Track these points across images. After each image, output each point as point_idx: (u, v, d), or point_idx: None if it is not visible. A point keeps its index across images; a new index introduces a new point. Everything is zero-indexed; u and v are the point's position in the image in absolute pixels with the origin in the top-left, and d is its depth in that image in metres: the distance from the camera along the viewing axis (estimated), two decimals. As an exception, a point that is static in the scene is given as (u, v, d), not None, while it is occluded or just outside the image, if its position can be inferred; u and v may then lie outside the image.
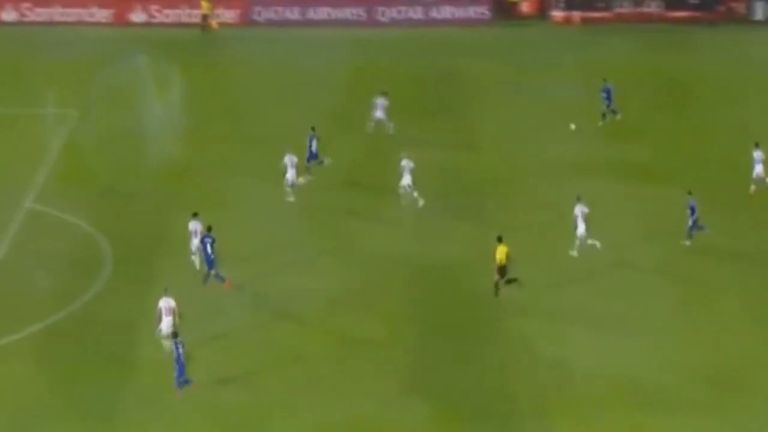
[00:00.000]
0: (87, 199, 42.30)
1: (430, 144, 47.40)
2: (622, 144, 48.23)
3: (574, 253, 38.56)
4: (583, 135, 48.90)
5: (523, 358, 33.56)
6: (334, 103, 52.55)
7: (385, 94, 48.31)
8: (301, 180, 42.90)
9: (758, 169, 42.42)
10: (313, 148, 43.96)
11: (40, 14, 64.07)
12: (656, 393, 31.82)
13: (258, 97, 53.34)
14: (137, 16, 64.64)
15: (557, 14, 65.86)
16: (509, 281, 36.07)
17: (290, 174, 42.15)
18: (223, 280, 36.38)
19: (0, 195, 42.71)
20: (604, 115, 49.27)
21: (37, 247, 39.35)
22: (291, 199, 42.38)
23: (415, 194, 41.75)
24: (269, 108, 51.93)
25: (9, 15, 64.02)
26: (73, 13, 64.13)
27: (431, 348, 34.04)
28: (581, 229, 38.22)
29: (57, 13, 64.14)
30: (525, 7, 66.50)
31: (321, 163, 44.17)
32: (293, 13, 65.37)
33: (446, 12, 65.84)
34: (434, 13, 65.82)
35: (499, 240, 36.15)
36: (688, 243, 39.18)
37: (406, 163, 41.80)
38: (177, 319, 32.82)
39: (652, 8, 65.76)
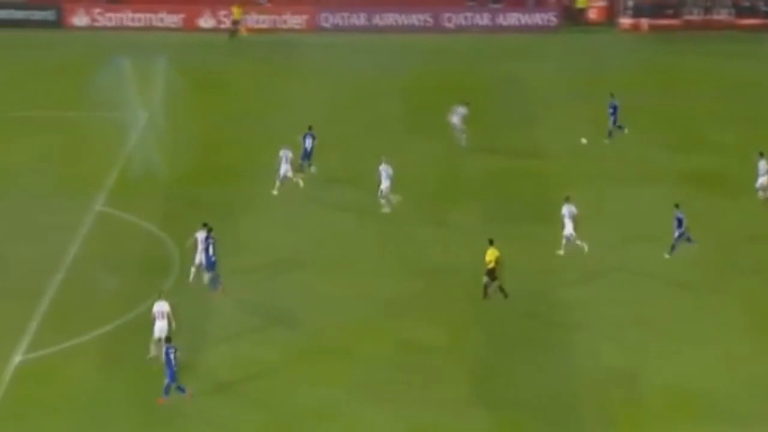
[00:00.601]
0: (155, 201, 42.73)
1: (494, 151, 47.34)
2: (688, 152, 47.78)
3: (561, 252, 38.71)
4: (649, 143, 48.56)
5: (587, 368, 33.26)
6: (399, 109, 52.65)
7: (467, 104, 47.77)
8: (306, 175, 43.56)
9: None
10: (308, 147, 44.25)
11: (111, 19, 64.93)
12: (725, 405, 31.41)
13: (324, 103, 53.54)
14: (206, 21, 65.24)
15: (625, 21, 65.42)
16: (501, 289, 36.00)
17: (284, 168, 42.68)
18: (215, 288, 36.47)
19: (71, 197, 43.27)
20: (610, 133, 47.91)
21: (106, 249, 39.77)
22: (275, 192, 42.99)
23: (390, 198, 41.73)
24: (335, 114, 52.11)
25: (81, 20, 64.94)
26: (143, 18, 64.92)
27: (493, 356, 33.90)
28: (568, 228, 38.54)
29: (127, 18, 64.97)
30: (593, 14, 66.16)
31: (309, 166, 44.25)
32: (360, 19, 65.62)
33: (513, 18, 65.69)
34: (501, 20, 65.70)
35: (491, 243, 36.18)
36: (667, 256, 38.49)
37: (384, 168, 41.69)
38: (171, 323, 32.77)
39: (722, 15, 65.09)
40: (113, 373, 32.95)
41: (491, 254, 36.03)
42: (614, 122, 47.92)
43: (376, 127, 50.35)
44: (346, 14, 65.54)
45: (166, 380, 31.15)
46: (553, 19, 65.55)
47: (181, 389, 31.39)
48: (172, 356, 31.18)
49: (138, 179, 45.03)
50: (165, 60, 59.61)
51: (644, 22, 65.20)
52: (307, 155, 44.26)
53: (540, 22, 65.59)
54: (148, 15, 64.88)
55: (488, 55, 61.13)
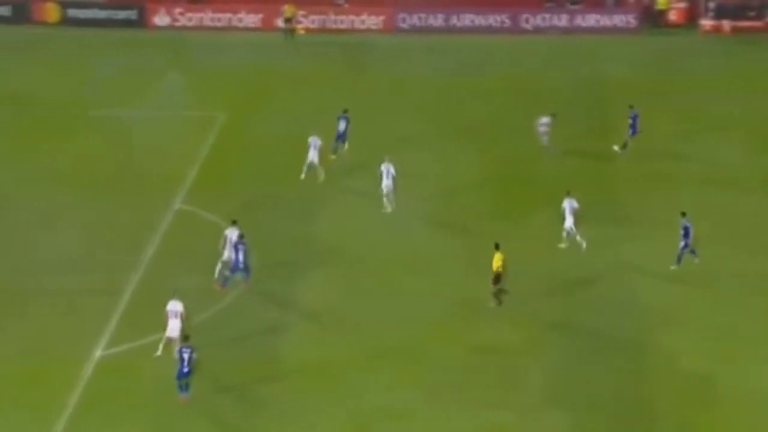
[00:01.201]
0: (233, 200, 43.12)
1: (573, 153, 47.08)
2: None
3: (563, 245, 38.75)
4: (731, 146, 48.00)
5: (664, 370, 33.05)
6: (477, 110, 52.59)
7: (553, 115, 47.31)
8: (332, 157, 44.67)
9: None
10: (341, 129, 45.57)
11: (191, 19, 65.67)
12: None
13: (400, 103, 53.67)
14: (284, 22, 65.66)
15: (706, 23, 64.58)
16: (499, 291, 35.75)
17: (312, 154, 43.18)
18: (224, 285, 36.73)
19: (151, 195, 43.82)
20: (625, 144, 46.75)
21: (185, 247, 40.24)
22: (302, 176, 44.11)
23: (391, 198, 41.77)
24: (410, 114, 52.21)
25: (162, 20, 65.79)
26: (223, 18, 65.59)
27: (569, 358, 33.76)
28: (568, 222, 38.75)
29: (207, 17, 65.66)
30: (673, 16, 65.41)
31: (343, 145, 45.79)
32: (437, 20, 65.58)
33: (592, 20, 65.19)
34: (579, 21, 65.23)
35: (496, 247, 35.91)
36: (673, 267, 37.69)
37: (386, 167, 41.68)
38: (183, 323, 32.86)
39: (807, 17, 64.07)
40: (193, 366, 33.26)
41: (498, 259, 35.75)
42: (632, 134, 46.64)
43: (454, 128, 50.30)
44: (423, 15, 65.54)
45: (178, 377, 31.13)
46: (633, 20, 64.93)
47: (181, 388, 31.18)
48: (185, 356, 31.08)
49: (217, 177, 45.50)
50: (244, 59, 60.26)
51: (726, 23, 64.30)
52: (341, 137, 45.80)
53: (619, 24, 65.02)
54: (227, 15, 65.51)
55: (566, 56, 60.73)
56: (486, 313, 35.80)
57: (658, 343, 34.27)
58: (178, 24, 65.61)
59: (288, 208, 43.05)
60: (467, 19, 65.51)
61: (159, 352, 32.99)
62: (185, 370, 31.07)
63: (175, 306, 33.02)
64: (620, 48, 62.18)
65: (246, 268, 36.84)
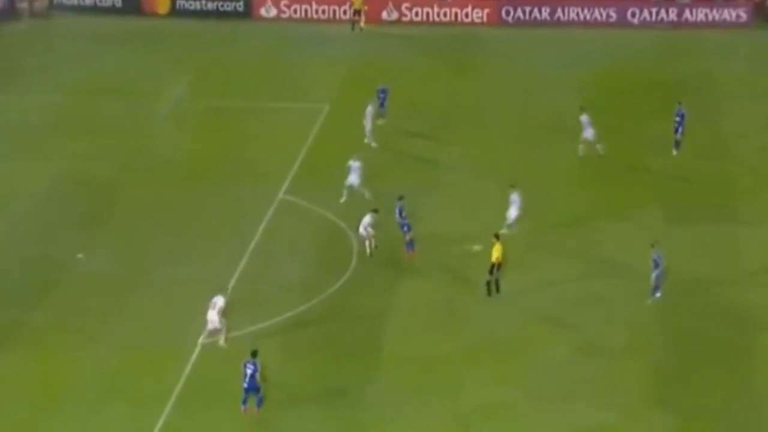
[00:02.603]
0: (336, 191, 43.10)
1: (679, 150, 46.08)
2: None
3: (504, 230, 38.08)
4: None
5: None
6: (584, 105, 51.84)
7: (582, 109, 46.31)
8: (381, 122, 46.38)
9: None
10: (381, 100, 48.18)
11: (297, 10, 65.89)
12: None
13: (501, 98, 53.09)
14: (389, 14, 65.50)
15: (819, 18, 62.81)
16: (493, 282, 35.42)
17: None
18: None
19: (255, 185, 44.03)
20: (677, 143, 45.25)
21: (288, 237, 40.40)
22: (374, 144, 46.13)
23: (354, 192, 41.59)
24: (511, 109, 51.67)
25: (268, 11, 66.14)
26: (328, 10, 65.69)
27: (673, 360, 33.10)
28: (512, 212, 38.91)
29: (312, 9, 65.82)
30: (785, 10, 63.68)
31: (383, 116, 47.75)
32: (542, 13, 64.79)
33: (701, 14, 63.74)
34: (688, 15, 63.84)
35: (497, 237, 35.60)
36: (649, 302, 35.61)
37: (353, 164, 41.53)
38: (222, 318, 33.08)
39: None
40: (291, 358, 33.49)
41: (497, 250, 35.53)
42: (681, 132, 45.26)
43: (556, 123, 49.65)
44: (528, 8, 64.80)
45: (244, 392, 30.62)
46: (743, 15, 63.32)
47: (245, 401, 30.67)
48: (248, 371, 30.42)
49: (320, 169, 45.52)
50: (348, 51, 60.24)
51: (840, 19, 62.45)
52: (382, 105, 48.11)
53: (729, 18, 63.46)
54: (332, 7, 65.57)
55: (674, 51, 59.44)
56: (591, 312, 35.20)
57: (766, 346, 33.33)
58: (284, 15, 65.89)
59: (389, 201, 42.82)
60: (573, 13, 64.56)
61: (200, 341, 33.35)
62: (245, 385, 30.41)
63: (216, 300, 33.48)
64: (730, 43, 60.66)
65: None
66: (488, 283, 35.92)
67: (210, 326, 33.57)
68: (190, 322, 34.66)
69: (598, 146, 45.55)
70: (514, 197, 39.52)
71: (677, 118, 45.57)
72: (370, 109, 47.06)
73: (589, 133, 45.45)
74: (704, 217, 41.00)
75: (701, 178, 44.29)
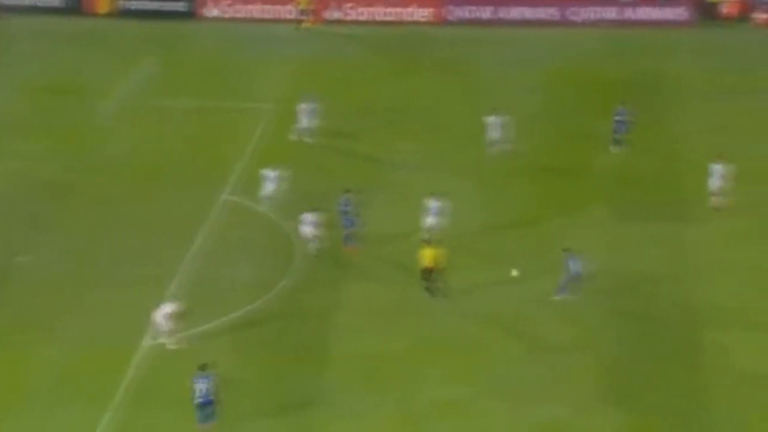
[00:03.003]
0: (279, 191, 42.64)
1: (629, 146, 46.16)
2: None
3: (423, 234, 37.50)
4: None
5: (720, 369, 32.35)
6: (528, 104, 51.89)
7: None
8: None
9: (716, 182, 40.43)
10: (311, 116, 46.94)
11: (240, 10, 65.32)
12: None
13: (447, 97, 52.98)
14: (331, 14, 65.16)
15: (760, 16, 63.33)
16: (429, 287, 35.19)
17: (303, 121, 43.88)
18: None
19: (200, 186, 43.61)
20: (617, 141, 45.38)
21: (233, 237, 40.04)
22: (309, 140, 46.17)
23: (272, 200, 41.11)
24: (457, 107, 51.54)
25: (211, 11, 65.49)
26: (272, 10, 65.19)
27: (624, 356, 33.14)
28: (431, 222, 37.87)
29: (256, 9, 65.28)
30: (726, 9, 64.19)
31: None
32: (486, 13, 64.81)
33: (642, 13, 64.11)
34: (630, 14, 64.18)
35: (427, 243, 35.35)
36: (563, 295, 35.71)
37: (269, 173, 41.06)
38: (173, 323, 32.70)
39: None
40: (239, 358, 33.14)
41: (427, 254, 35.16)
42: (625, 131, 45.31)
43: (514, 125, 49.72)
44: (471, 7, 64.79)
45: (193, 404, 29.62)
46: (685, 13, 63.78)
47: (200, 418, 29.48)
48: (201, 386, 29.46)
49: (264, 169, 45.07)
50: (293, 51, 59.86)
51: (780, 17, 63.12)
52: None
53: (671, 17, 63.89)
54: (276, 6, 65.07)
55: (617, 50, 59.73)
56: (540, 310, 35.19)
57: (717, 343, 33.57)
58: (226, 16, 65.30)
59: (333, 199, 42.52)
60: (516, 12, 64.66)
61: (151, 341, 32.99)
62: (198, 401, 29.41)
63: (166, 304, 33.23)
64: (672, 42, 61.02)
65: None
66: (427, 288, 35.54)
67: (159, 328, 33.20)
68: (137, 322, 34.25)
69: (506, 147, 45.26)
70: (434, 204, 38.54)
71: (617, 117, 45.61)
72: (303, 107, 46.76)
73: (497, 134, 45.14)
74: (652, 215, 41.13)
75: (648, 176, 44.38)
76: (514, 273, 36.68)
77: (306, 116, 47.21)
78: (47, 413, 30.93)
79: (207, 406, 29.50)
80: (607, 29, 63.16)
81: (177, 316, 33.18)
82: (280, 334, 34.38)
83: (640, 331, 34.41)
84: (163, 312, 33.28)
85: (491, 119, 45.67)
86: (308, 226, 38.18)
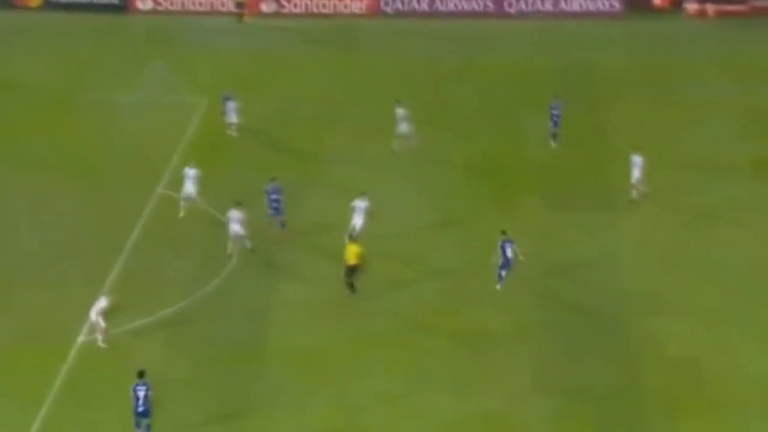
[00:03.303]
0: (216, 186, 42.51)
1: (561, 139, 46.53)
2: (759, 142, 46.84)
3: (346, 239, 37.21)
4: (718, 132, 47.69)
5: (650, 356, 32.76)
6: (463, 96, 52.12)
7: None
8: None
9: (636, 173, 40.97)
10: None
11: (174, 3, 64.85)
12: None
13: (382, 89, 52.96)
14: (268, 6, 64.98)
15: (691, 7, 64.17)
16: (351, 284, 34.98)
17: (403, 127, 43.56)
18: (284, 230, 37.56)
19: (135, 180, 43.32)
20: (554, 136, 45.68)
21: (167, 232, 39.76)
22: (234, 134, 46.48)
23: (189, 203, 40.61)
24: (392, 100, 51.52)
25: (145, 4, 64.97)
26: (205, 2, 64.81)
27: (556, 345, 33.42)
28: (358, 222, 37.67)
29: (190, 2, 64.86)
30: (657, 0, 64.89)
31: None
32: (422, 5, 64.97)
33: (576, 4, 64.68)
34: (563, 5, 64.71)
35: (350, 239, 35.30)
36: (499, 286, 35.95)
37: (189, 171, 40.55)
38: (102, 318, 32.48)
39: (791, 2, 63.67)
40: (174, 354, 33.00)
41: (350, 251, 34.98)
42: (559, 124, 45.54)
43: (440, 114, 49.82)
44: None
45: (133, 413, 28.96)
46: (616, 4, 64.45)
47: (138, 425, 28.92)
48: (140, 394, 28.88)
49: (198, 163, 44.75)
50: (228, 44, 59.56)
51: (710, 8, 63.88)
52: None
53: (603, 8, 64.53)
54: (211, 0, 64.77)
55: (551, 41, 60.21)
56: (474, 300, 35.39)
57: (646, 329, 34.00)
58: (160, 8, 64.81)
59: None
60: (451, 4, 64.89)
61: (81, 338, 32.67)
62: (140, 409, 28.88)
63: (98, 299, 32.90)
64: (605, 33, 61.63)
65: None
66: (349, 285, 35.32)
67: (91, 325, 32.93)
68: (70, 320, 33.95)
69: (411, 141, 45.28)
70: (361, 204, 38.26)
71: (554, 111, 45.92)
72: (231, 105, 46.55)
73: (404, 128, 45.17)
74: (584, 205, 41.48)
75: (581, 166, 44.80)
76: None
77: (233, 113, 46.85)
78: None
79: (147, 415, 28.90)
80: (542, 21, 63.61)
81: (108, 311, 32.89)
82: (213, 331, 34.20)
83: (572, 319, 34.74)
84: (97, 307, 32.99)
85: (399, 111, 45.48)
86: (235, 223, 37.80)
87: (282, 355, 32.89)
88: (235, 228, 37.78)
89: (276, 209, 39.08)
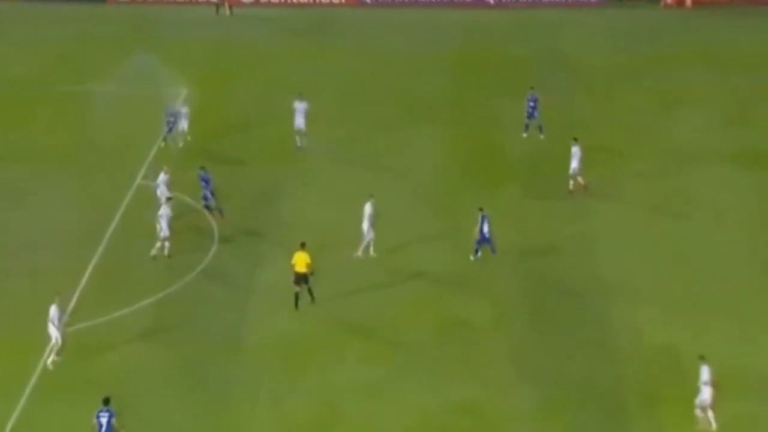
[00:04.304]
0: (193, 175, 42.21)
1: (536, 130, 46.44)
2: (736, 130, 46.91)
3: (358, 253, 36.74)
4: (695, 120, 47.71)
5: (629, 345, 32.72)
6: (442, 86, 51.97)
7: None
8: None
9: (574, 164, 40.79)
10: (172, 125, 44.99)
11: (152, -7, 64.53)
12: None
13: (366, 81, 52.85)
14: (243, -4, 64.70)
15: (669, -4, 64.20)
16: (310, 292, 33.99)
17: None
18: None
19: (113, 171, 42.98)
20: (527, 127, 45.48)
21: (146, 223, 39.39)
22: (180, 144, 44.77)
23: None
24: (377, 91, 51.41)
25: (125, -4, 64.59)
26: (184, -8, 64.53)
27: (537, 334, 33.33)
28: (367, 227, 36.81)
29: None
30: (636, -10, 64.83)
31: None
32: (401, -5, 64.82)
33: (555, -6, 64.55)
34: (542, -5, 64.61)
35: (302, 246, 34.03)
36: (472, 258, 36.41)
37: (162, 177, 39.57)
38: (60, 330, 31.15)
39: (769, -10, 63.72)
40: (155, 344, 32.78)
41: (299, 258, 33.69)
42: (537, 116, 45.38)
43: (418, 104, 49.68)
44: (386, -11, 64.76)
45: None
46: (596, -6, 64.39)
47: None
48: (103, 421, 27.51)
49: (177, 153, 44.53)
50: (206, 34, 59.25)
51: (688, -3, 63.98)
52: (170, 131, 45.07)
53: (582, -2, 64.48)
54: (191, -11, 64.44)
55: (530, 31, 60.08)
56: (454, 290, 35.28)
57: (625, 318, 33.93)
58: (139, -1, 64.46)
59: (247, 184, 42.27)
60: (431, -6, 64.79)
61: (49, 364, 31.35)
62: None
63: (53, 311, 31.39)
64: (583, 22, 61.56)
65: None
66: (296, 294, 34.06)
67: (53, 341, 31.51)
68: (48, 312, 33.44)
69: (303, 138, 44.86)
70: (369, 209, 37.35)
71: (531, 103, 45.69)
72: (185, 111, 45.66)
73: (300, 122, 44.66)
74: (561, 194, 41.36)
75: (559, 156, 44.58)
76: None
77: (182, 119, 45.38)
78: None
79: None
80: (521, 10, 63.48)
81: (64, 313, 31.93)
82: (192, 321, 33.95)
83: (551, 308, 34.62)
84: (52, 317, 31.53)
85: (297, 105, 44.85)
86: (164, 219, 36.95)
87: (260, 346, 32.68)
88: (163, 223, 36.90)
89: (207, 195, 39.08)
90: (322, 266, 35.45)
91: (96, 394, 29.55)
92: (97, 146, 45.38)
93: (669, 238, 38.38)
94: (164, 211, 37.25)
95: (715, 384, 29.09)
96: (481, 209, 36.69)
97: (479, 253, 36.67)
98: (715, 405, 29.10)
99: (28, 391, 30.74)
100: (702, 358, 29.49)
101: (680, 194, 41.50)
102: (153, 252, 37.02)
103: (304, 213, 40.17)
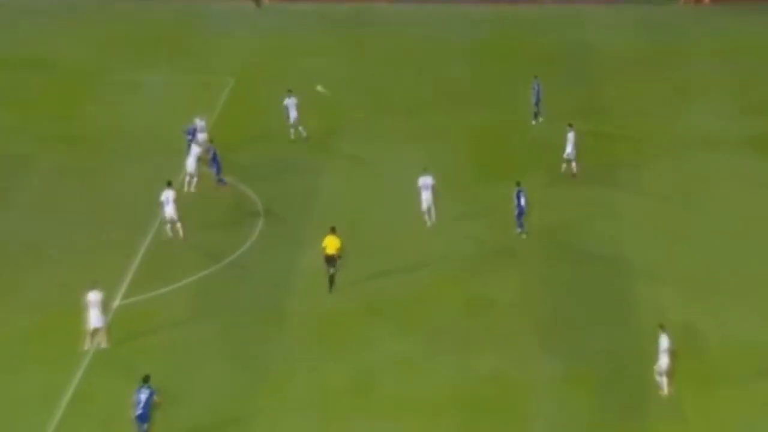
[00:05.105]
0: (242, 161, 42.79)
1: (560, 117, 46.49)
2: (752, 119, 46.71)
3: (428, 224, 37.04)
4: (712, 110, 47.68)
5: (651, 322, 32.45)
6: (470, 77, 52.18)
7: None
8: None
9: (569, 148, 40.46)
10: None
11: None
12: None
13: (396, 71, 53.02)
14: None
15: (687, -8, 63.94)
16: (332, 278, 33.62)
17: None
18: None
19: (166, 155, 43.23)
20: (535, 115, 45.46)
21: (195, 203, 39.90)
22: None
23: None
24: (412, 83, 51.50)
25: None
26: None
27: (560, 311, 33.29)
28: (427, 198, 36.94)
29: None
30: (655, -14, 64.59)
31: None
32: (433, -10, 64.83)
33: (577, -10, 64.40)
34: (563, -11, 64.48)
35: (332, 230, 33.79)
36: (519, 231, 36.60)
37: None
38: (104, 315, 30.79)
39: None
40: (202, 319, 33.07)
41: (330, 242, 33.44)
42: (536, 103, 45.31)
43: (441, 94, 49.81)
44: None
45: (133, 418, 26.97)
46: (616, -10, 64.18)
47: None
48: (142, 397, 26.83)
49: (226, 138, 44.88)
50: (253, 27, 59.68)
51: (705, -7, 63.71)
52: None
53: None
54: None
55: (556, 24, 60.04)
56: (480, 268, 35.37)
57: (646, 297, 33.72)
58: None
59: (291, 168, 42.74)
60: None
61: (85, 347, 31.18)
62: (139, 412, 26.72)
63: (95, 296, 30.99)
64: (603, 16, 61.40)
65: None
66: (331, 276, 33.75)
67: (95, 324, 31.12)
68: (105, 285, 33.78)
69: (300, 128, 44.80)
70: (427, 180, 37.44)
71: (533, 91, 45.55)
72: (201, 124, 43.27)
73: (293, 116, 44.53)
74: (586, 179, 41.46)
75: (581, 143, 44.80)
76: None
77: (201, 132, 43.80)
78: (7, 376, 30.36)
79: (144, 421, 26.95)
80: (549, 6, 63.49)
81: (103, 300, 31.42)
82: (236, 298, 34.09)
83: (573, 284, 34.56)
84: (95, 301, 31.14)
85: (287, 101, 44.68)
86: (169, 205, 36.59)
87: (302, 321, 32.76)
88: (167, 210, 36.66)
89: (215, 166, 40.23)
90: (354, 248, 35.53)
91: (146, 360, 29.96)
92: (151, 130, 45.68)
93: (687, 221, 38.17)
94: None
95: (673, 352, 29.01)
96: (518, 183, 36.67)
97: (525, 227, 36.51)
98: (671, 372, 29.00)
99: (86, 360, 30.98)
100: (661, 327, 29.33)
101: (698, 179, 41.36)
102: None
103: (339, 193, 40.36)
